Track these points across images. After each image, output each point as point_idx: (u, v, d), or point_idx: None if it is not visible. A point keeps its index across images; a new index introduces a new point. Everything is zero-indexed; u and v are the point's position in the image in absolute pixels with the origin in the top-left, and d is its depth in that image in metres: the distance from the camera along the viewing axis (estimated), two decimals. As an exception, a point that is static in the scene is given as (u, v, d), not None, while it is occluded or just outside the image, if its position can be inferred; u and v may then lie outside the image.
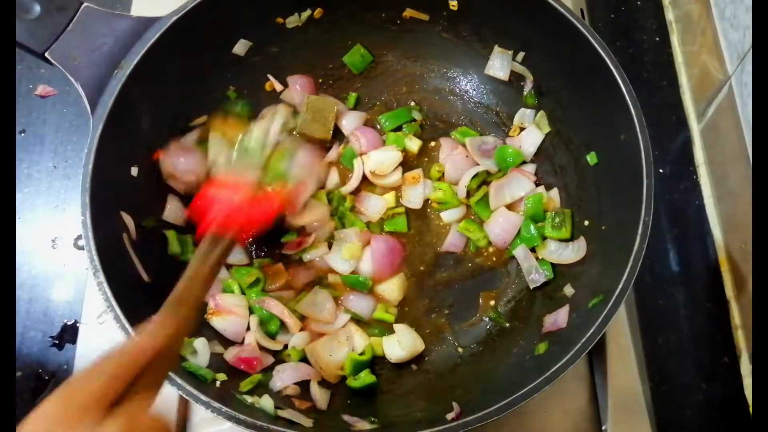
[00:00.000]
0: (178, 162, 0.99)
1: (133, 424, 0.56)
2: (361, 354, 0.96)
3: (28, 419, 0.54)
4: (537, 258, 1.01)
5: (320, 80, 1.14)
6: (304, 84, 1.11)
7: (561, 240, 1.00)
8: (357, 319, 1.01)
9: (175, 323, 0.69)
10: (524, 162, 1.07)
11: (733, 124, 1.01)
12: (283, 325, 0.99)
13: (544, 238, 1.01)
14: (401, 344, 0.96)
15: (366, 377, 0.94)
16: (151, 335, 0.65)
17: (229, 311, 0.96)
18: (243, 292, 1.01)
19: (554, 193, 1.04)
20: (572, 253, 0.98)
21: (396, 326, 0.98)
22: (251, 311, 0.98)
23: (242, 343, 0.96)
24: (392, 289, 1.01)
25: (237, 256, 1.04)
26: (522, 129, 1.09)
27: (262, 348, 0.96)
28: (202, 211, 0.89)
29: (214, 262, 0.80)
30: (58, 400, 0.54)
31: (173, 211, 1.01)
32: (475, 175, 1.06)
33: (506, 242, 1.03)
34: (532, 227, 1.01)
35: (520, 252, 1.01)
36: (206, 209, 0.88)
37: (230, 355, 0.93)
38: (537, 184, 1.05)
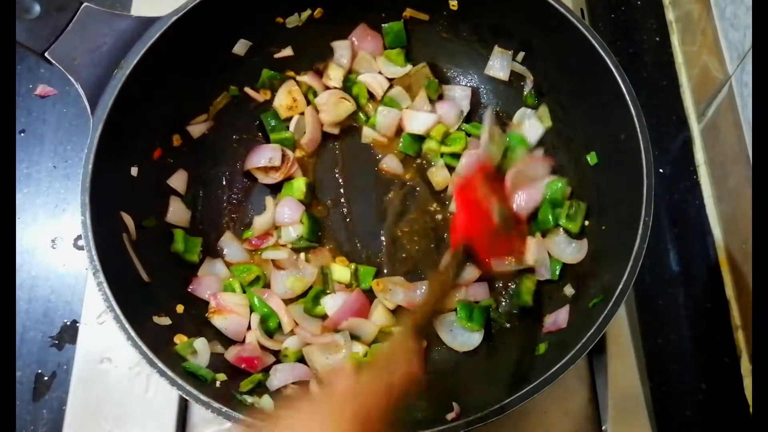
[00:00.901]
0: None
1: None
2: (364, 355, 0.96)
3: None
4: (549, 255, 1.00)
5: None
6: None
7: (569, 234, 0.99)
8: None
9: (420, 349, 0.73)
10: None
11: (733, 124, 1.01)
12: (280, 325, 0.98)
13: (556, 226, 1.01)
14: None
15: None
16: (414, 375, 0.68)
17: (230, 310, 0.96)
18: (244, 291, 1.00)
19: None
20: (575, 251, 0.98)
21: (394, 329, 0.98)
22: (252, 310, 0.98)
23: (243, 342, 0.96)
24: (384, 315, 1.00)
25: (237, 255, 1.04)
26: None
27: (263, 347, 0.95)
28: (468, 205, 0.93)
29: (460, 272, 0.83)
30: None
31: (176, 213, 1.01)
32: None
33: (530, 208, 1.02)
34: (549, 212, 1.00)
35: (537, 243, 1.00)
36: (472, 206, 0.92)
37: (231, 354, 0.93)
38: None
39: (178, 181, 1.03)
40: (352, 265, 1.03)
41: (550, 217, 1.00)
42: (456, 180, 1.04)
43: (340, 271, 1.02)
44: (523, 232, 0.99)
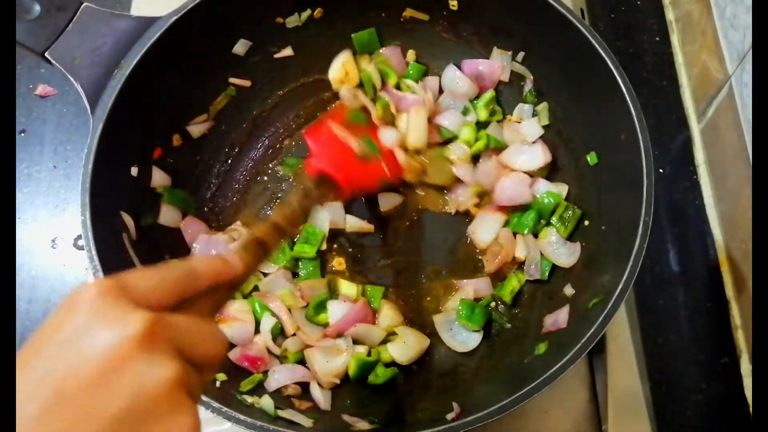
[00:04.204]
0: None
1: (180, 323, 0.50)
2: (368, 355, 0.96)
3: (74, 291, 0.49)
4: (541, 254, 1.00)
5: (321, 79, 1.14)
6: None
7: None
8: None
9: (254, 257, 0.67)
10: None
11: (733, 124, 1.01)
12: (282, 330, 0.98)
13: (548, 224, 1.01)
14: (408, 345, 0.96)
15: (386, 372, 0.94)
16: (228, 263, 0.61)
17: (234, 318, 0.95)
18: (245, 297, 1.00)
19: (564, 189, 1.04)
20: (567, 252, 0.98)
21: (397, 329, 0.98)
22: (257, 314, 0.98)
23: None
24: (391, 316, 1.00)
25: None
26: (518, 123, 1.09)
27: (268, 351, 0.95)
28: (320, 142, 0.91)
29: (311, 202, 0.79)
30: (106, 282, 0.49)
31: (168, 215, 1.01)
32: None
33: (512, 201, 1.02)
34: (533, 217, 1.01)
35: (529, 241, 1.01)
36: (326, 142, 0.90)
37: (235, 352, 0.93)
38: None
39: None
40: (359, 286, 1.02)
41: (531, 222, 1.01)
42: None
43: (347, 286, 1.01)
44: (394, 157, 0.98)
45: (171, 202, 1.01)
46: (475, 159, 1.07)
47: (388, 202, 1.07)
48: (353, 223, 1.05)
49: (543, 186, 1.03)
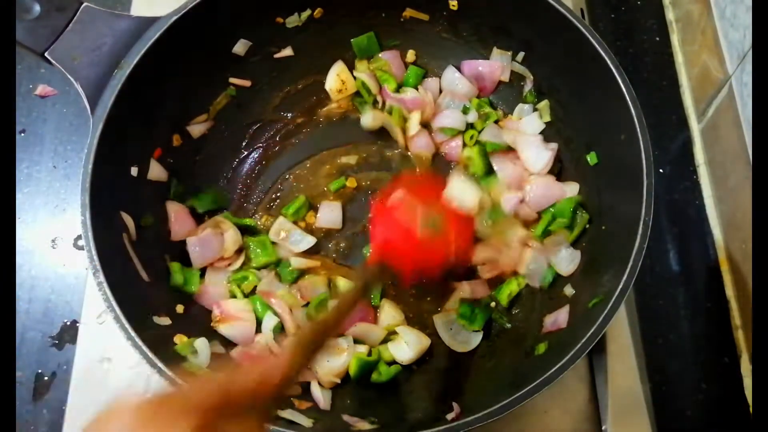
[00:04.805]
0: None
1: None
2: (368, 355, 0.96)
3: (115, 407, 0.50)
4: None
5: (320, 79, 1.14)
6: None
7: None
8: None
9: (302, 359, 0.66)
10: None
11: (733, 124, 1.01)
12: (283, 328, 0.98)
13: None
14: (409, 345, 0.96)
15: (389, 370, 0.94)
16: (276, 367, 0.60)
17: (236, 317, 0.95)
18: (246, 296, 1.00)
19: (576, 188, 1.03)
20: (567, 257, 0.97)
21: (398, 329, 0.98)
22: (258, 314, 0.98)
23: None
24: (392, 314, 1.00)
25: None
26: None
27: (270, 350, 0.95)
28: (383, 229, 0.87)
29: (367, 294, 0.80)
30: (155, 400, 0.50)
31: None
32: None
33: (541, 206, 1.01)
34: (547, 220, 1.00)
35: (537, 251, 0.99)
36: (388, 228, 0.86)
37: (238, 352, 0.93)
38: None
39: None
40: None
41: (543, 225, 1.00)
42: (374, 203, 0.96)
43: (346, 284, 1.01)
44: (466, 233, 0.92)
45: (176, 281, 0.98)
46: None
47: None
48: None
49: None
